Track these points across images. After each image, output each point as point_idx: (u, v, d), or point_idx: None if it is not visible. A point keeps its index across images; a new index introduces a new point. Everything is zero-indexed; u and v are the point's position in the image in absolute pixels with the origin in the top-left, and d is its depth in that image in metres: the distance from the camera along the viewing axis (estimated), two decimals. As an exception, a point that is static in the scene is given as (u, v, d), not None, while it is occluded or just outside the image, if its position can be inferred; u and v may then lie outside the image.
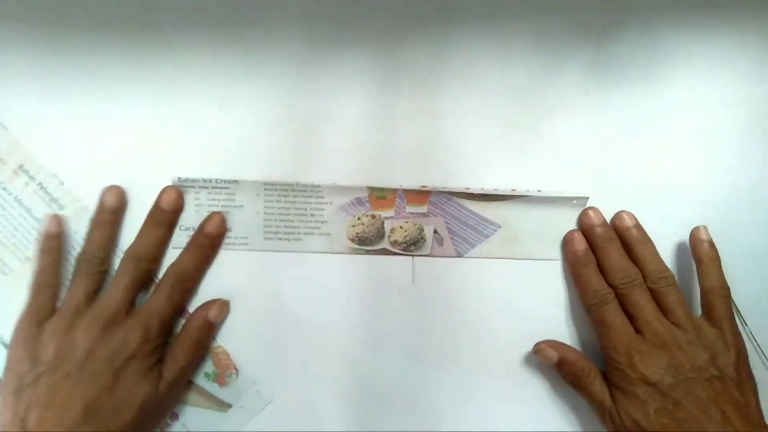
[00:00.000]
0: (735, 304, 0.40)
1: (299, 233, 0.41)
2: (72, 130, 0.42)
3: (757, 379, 0.37)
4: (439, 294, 0.42)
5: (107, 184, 0.41)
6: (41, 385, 0.34)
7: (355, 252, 0.42)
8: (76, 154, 0.41)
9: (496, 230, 0.41)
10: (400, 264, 0.42)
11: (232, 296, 0.41)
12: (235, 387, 0.41)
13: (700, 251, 0.39)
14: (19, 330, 0.36)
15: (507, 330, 0.41)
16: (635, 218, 0.40)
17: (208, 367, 0.41)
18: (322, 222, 0.41)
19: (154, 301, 0.38)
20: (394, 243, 0.41)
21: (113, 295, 0.37)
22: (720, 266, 0.39)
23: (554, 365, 0.39)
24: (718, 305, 0.37)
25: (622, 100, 0.42)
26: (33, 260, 0.39)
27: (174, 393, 0.38)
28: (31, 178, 0.41)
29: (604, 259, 0.39)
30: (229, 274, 0.41)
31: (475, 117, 0.42)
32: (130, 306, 0.37)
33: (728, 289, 0.38)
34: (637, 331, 0.37)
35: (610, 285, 0.38)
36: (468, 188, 0.41)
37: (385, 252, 0.42)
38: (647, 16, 0.42)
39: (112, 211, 0.39)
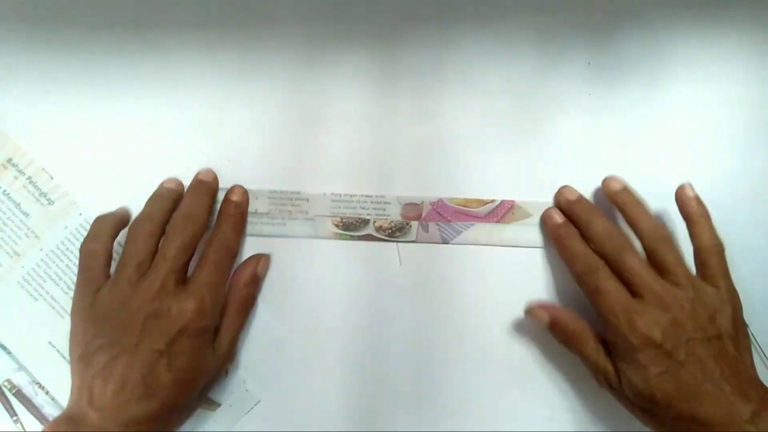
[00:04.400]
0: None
1: (283, 218, 0.41)
2: (63, 125, 0.41)
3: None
4: (428, 278, 0.41)
5: (97, 179, 0.41)
6: (102, 357, 0.33)
7: (340, 237, 0.41)
8: (66, 149, 0.41)
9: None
10: (386, 251, 0.41)
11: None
12: (224, 385, 0.41)
13: (689, 209, 0.38)
14: (75, 296, 0.36)
15: (495, 315, 0.41)
16: (623, 181, 0.39)
17: (198, 365, 0.41)
18: (308, 207, 0.41)
19: (203, 273, 0.36)
20: (379, 229, 0.41)
21: (162, 264, 0.35)
22: (711, 223, 0.37)
23: (546, 327, 0.38)
24: (713, 263, 0.36)
25: (623, 100, 0.42)
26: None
27: (228, 359, 0.38)
28: (20, 172, 0.41)
29: (589, 229, 0.38)
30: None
31: (476, 117, 0.42)
32: (181, 275, 0.35)
33: (722, 245, 0.37)
34: (634, 295, 0.35)
35: (599, 254, 0.37)
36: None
37: (369, 238, 0.41)
38: (649, 16, 0.42)
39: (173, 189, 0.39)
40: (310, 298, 0.41)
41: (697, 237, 0.37)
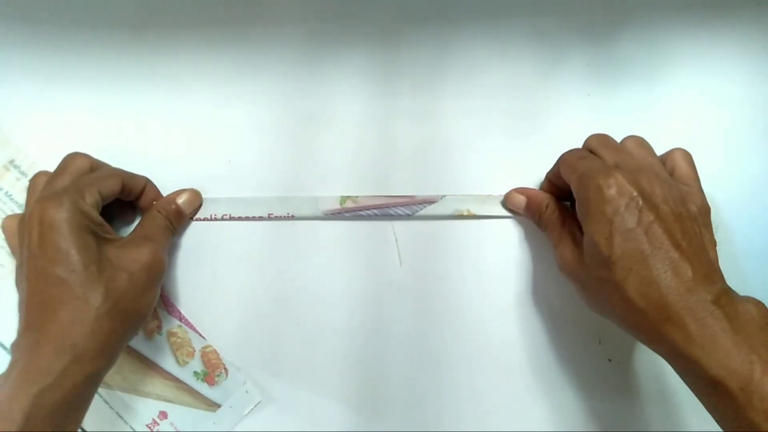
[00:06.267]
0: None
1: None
2: (64, 127, 0.42)
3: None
4: (429, 278, 0.41)
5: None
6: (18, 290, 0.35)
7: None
8: (67, 150, 0.41)
9: (443, 196, 0.41)
10: (386, 251, 0.41)
11: (221, 295, 0.41)
12: (224, 387, 0.41)
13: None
14: None
15: (496, 314, 0.41)
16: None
17: (198, 366, 0.41)
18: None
19: (88, 175, 0.36)
20: None
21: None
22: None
23: (524, 210, 0.39)
24: (682, 165, 0.35)
25: (623, 100, 0.42)
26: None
27: (143, 262, 0.35)
28: (23, 173, 0.41)
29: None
30: (214, 276, 0.41)
31: (476, 118, 0.42)
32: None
33: (690, 155, 0.36)
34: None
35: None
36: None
37: None
38: (648, 16, 0.42)
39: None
40: (309, 298, 0.41)
41: (668, 153, 0.37)
